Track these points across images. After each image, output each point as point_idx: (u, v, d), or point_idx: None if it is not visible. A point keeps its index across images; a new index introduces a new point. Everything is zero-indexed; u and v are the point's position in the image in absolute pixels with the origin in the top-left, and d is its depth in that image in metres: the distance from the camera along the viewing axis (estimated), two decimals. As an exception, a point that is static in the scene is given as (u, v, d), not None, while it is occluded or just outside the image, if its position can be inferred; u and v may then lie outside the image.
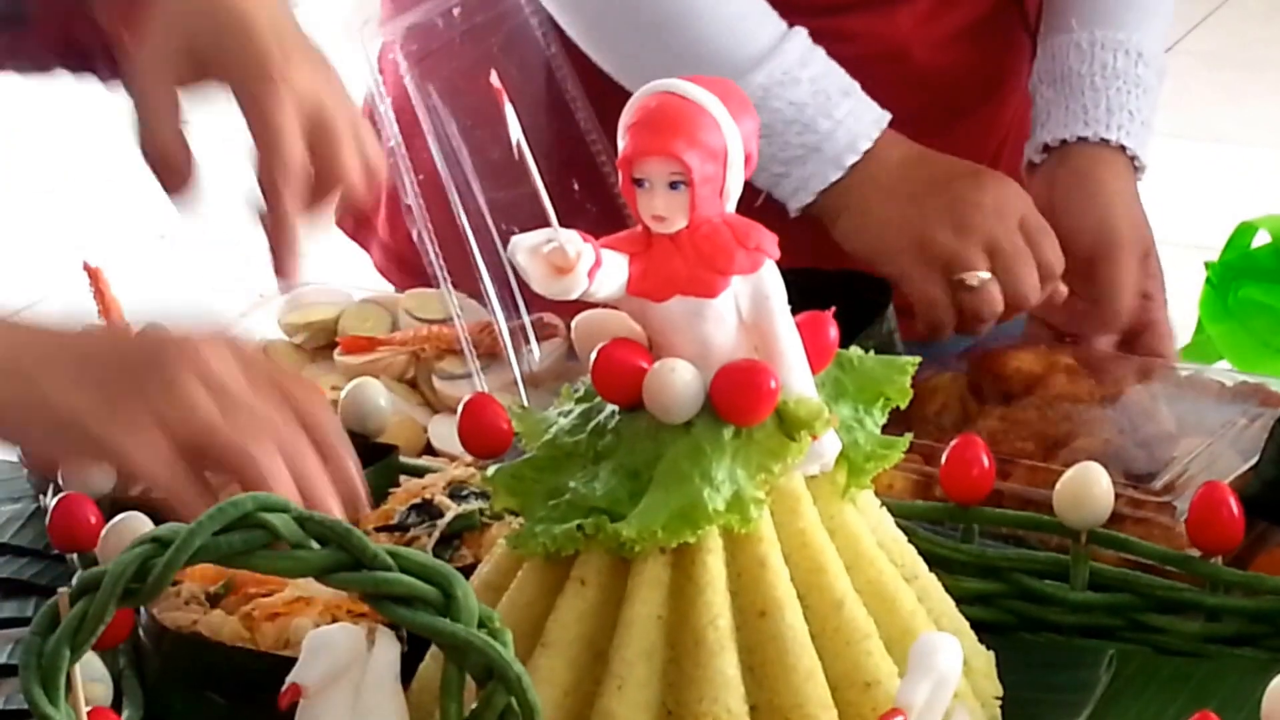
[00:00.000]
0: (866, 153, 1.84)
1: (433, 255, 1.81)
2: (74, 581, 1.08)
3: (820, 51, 1.91)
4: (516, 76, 1.87)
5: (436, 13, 1.83)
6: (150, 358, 1.46)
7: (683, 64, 1.71)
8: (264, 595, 1.44)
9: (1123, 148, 1.92)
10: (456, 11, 1.83)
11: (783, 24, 1.82)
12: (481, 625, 1.01)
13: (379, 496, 1.56)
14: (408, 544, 1.46)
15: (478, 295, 1.86)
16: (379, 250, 2.14)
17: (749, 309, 1.26)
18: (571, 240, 1.20)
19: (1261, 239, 2.94)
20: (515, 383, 1.84)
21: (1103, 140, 1.91)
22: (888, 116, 1.87)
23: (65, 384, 1.44)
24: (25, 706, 1.05)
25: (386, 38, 1.80)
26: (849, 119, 1.77)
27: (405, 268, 2.05)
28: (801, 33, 1.90)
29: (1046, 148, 1.94)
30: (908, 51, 1.98)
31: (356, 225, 2.16)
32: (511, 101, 1.23)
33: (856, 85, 1.90)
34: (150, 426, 1.41)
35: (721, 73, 1.57)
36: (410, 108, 1.81)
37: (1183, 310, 2.81)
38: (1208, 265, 2.85)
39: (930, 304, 1.87)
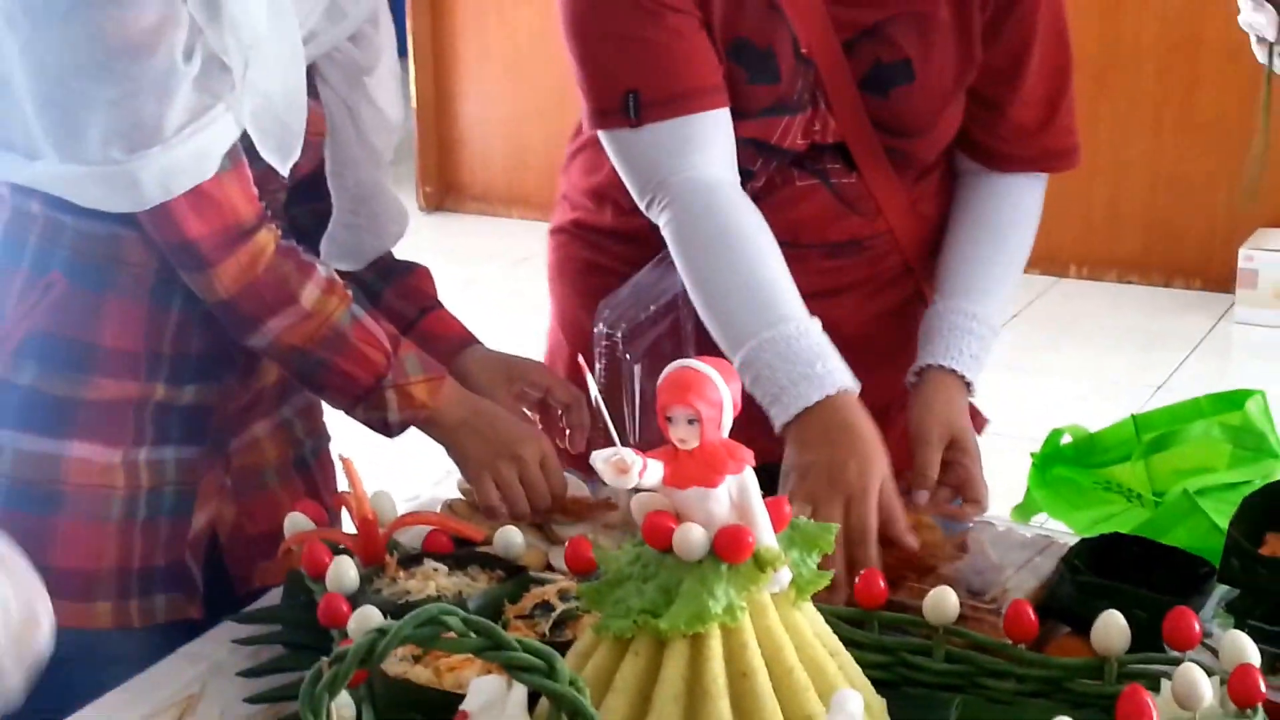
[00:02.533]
0: (826, 400, 1.70)
1: None
2: (332, 651, 1.11)
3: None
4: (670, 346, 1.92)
5: (640, 307, 1.82)
6: (514, 441, 1.75)
7: (747, 310, 1.78)
8: (446, 657, 1.40)
9: (954, 370, 1.83)
10: (653, 307, 1.85)
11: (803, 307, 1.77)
12: (571, 683, 1.02)
13: (516, 597, 1.55)
14: (534, 627, 1.48)
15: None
16: None
17: (736, 494, 1.27)
18: (628, 454, 1.21)
19: (1066, 439, 2.94)
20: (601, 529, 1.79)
21: (941, 366, 1.83)
22: (856, 387, 1.75)
23: (477, 440, 1.75)
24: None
25: (606, 322, 1.79)
26: (830, 374, 1.71)
27: None
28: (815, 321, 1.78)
29: (916, 373, 1.86)
30: (840, 326, 1.83)
31: None
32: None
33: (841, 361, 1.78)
34: (501, 479, 1.74)
35: (765, 318, 1.75)
36: (618, 371, 1.83)
37: (1018, 479, 2.79)
38: (1032, 454, 2.85)
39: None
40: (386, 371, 1.68)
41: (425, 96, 6.43)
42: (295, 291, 1.65)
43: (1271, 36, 1.71)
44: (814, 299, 1.83)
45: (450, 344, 1.88)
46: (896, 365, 1.95)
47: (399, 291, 1.93)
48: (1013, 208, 1.92)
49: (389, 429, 1.74)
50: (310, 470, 1.89)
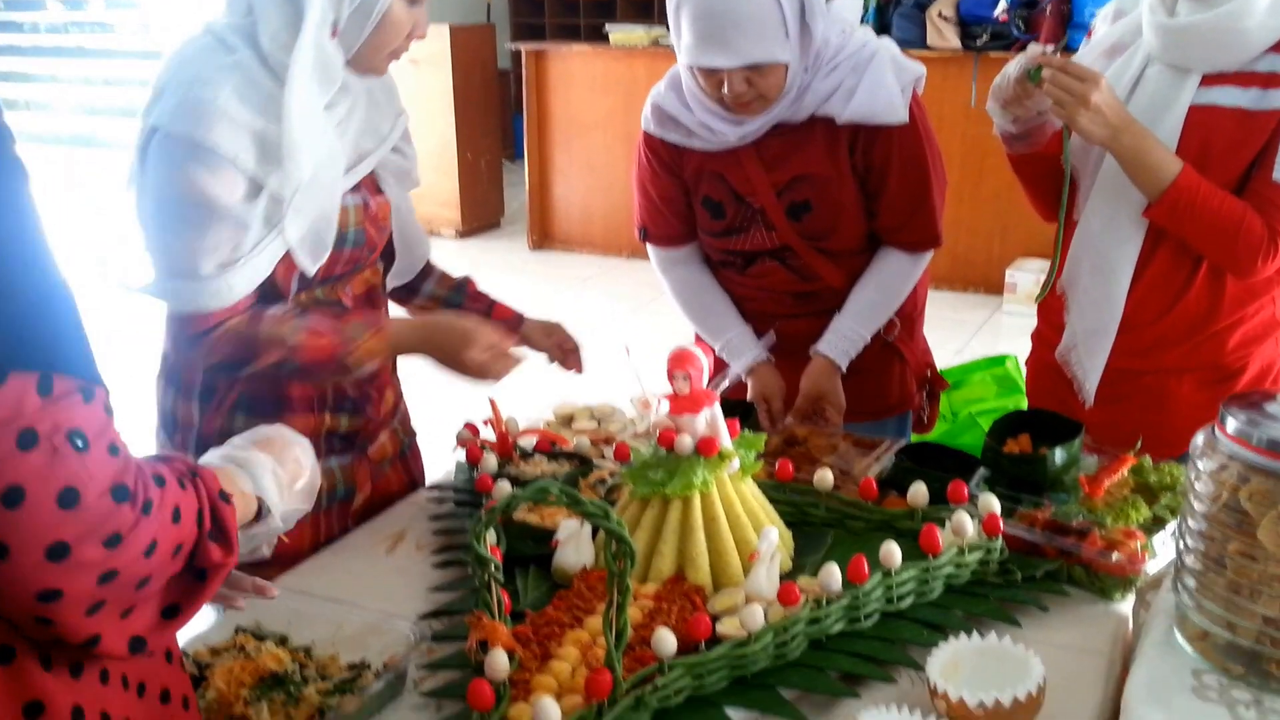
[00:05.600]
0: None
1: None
2: (485, 507, 1.11)
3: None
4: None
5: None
6: (458, 339, 1.41)
7: (711, 329, 1.84)
8: (547, 508, 1.40)
9: (829, 357, 1.79)
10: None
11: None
12: (617, 523, 0.99)
13: (586, 475, 1.53)
14: (596, 492, 1.48)
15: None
16: None
17: (709, 418, 1.29)
18: (649, 397, 1.22)
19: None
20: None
21: (823, 353, 1.79)
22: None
23: (437, 350, 1.42)
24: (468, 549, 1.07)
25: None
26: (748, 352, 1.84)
27: None
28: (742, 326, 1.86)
29: (811, 352, 1.81)
30: (799, 332, 1.84)
31: None
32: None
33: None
34: (466, 367, 1.41)
35: (720, 331, 1.80)
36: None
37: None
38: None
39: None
40: (339, 345, 1.39)
41: (533, 181, 6.45)
42: (254, 336, 1.38)
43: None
44: (785, 318, 1.88)
45: (510, 323, 1.68)
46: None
47: (472, 301, 1.72)
48: (893, 270, 1.83)
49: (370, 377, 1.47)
50: (407, 457, 1.69)
